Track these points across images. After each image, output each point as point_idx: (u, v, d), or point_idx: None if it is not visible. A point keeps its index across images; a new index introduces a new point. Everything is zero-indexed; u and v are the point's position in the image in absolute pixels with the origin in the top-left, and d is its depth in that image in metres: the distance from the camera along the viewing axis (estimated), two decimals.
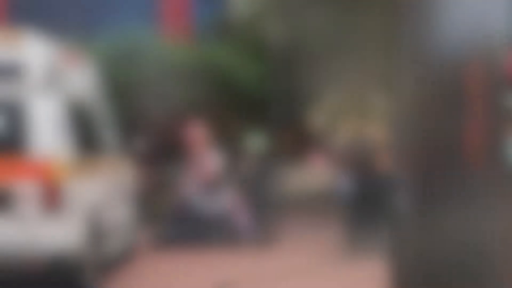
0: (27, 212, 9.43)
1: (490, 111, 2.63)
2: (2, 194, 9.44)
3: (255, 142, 15.03)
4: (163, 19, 22.85)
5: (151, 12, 22.14)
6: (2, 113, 9.68)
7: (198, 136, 14.84)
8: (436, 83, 2.67)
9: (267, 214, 15.03)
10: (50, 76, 9.95)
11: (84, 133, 11.08)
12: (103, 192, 11.30)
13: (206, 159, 14.73)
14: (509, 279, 2.71)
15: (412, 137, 2.76)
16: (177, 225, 14.46)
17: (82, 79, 11.75)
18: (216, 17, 27.04)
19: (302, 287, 8.01)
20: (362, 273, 8.03)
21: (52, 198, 9.49)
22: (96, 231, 10.71)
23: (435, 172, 2.73)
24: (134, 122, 18.85)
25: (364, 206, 13.75)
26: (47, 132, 9.66)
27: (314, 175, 17.05)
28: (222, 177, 14.97)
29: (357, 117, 16.79)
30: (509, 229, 2.75)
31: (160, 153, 15.24)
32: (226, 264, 9.69)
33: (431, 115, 2.67)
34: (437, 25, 2.66)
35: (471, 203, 2.67)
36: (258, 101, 21.06)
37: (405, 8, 2.70)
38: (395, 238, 2.98)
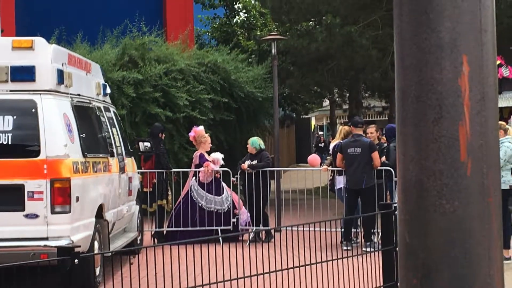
0: (38, 208, 9.43)
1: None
2: (15, 190, 9.44)
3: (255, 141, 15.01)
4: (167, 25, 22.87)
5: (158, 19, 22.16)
6: (16, 114, 9.68)
7: (202, 136, 14.83)
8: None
9: (266, 209, 15.06)
10: (60, 80, 9.94)
11: (92, 134, 11.08)
12: (109, 190, 11.31)
13: (209, 157, 14.73)
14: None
15: None
16: (180, 219, 14.48)
17: (91, 82, 11.75)
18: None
19: (301, 281, 7.99)
20: (360, 267, 8.01)
21: (62, 195, 9.49)
22: (103, 226, 10.72)
23: None
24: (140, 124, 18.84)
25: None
26: (58, 133, 9.66)
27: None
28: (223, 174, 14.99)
29: None
30: None
31: (164, 153, 15.21)
32: (227, 256, 9.68)
33: None
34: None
35: None
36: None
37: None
38: None
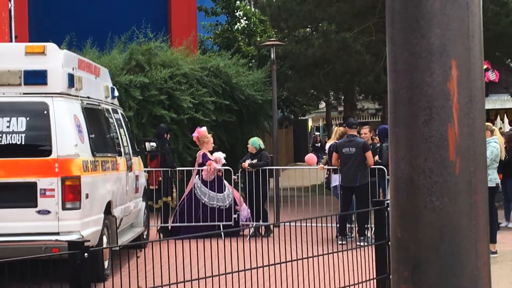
0: (50, 204, 9.42)
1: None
2: (28, 188, 9.43)
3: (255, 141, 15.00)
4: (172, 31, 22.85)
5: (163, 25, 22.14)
6: (29, 116, 9.67)
7: (205, 136, 14.83)
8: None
9: (265, 205, 15.04)
10: (71, 83, 9.93)
11: (101, 134, 11.07)
12: (117, 187, 11.30)
13: (212, 156, 14.72)
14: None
15: None
16: (184, 215, 14.47)
17: (100, 85, 11.75)
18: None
19: (299, 274, 7.99)
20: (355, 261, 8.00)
21: (72, 192, 9.48)
22: (111, 221, 10.71)
23: None
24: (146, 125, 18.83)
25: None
26: (68, 133, 9.65)
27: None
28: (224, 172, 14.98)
29: None
30: None
31: (169, 153, 15.19)
32: (229, 250, 9.66)
33: None
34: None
35: None
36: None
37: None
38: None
